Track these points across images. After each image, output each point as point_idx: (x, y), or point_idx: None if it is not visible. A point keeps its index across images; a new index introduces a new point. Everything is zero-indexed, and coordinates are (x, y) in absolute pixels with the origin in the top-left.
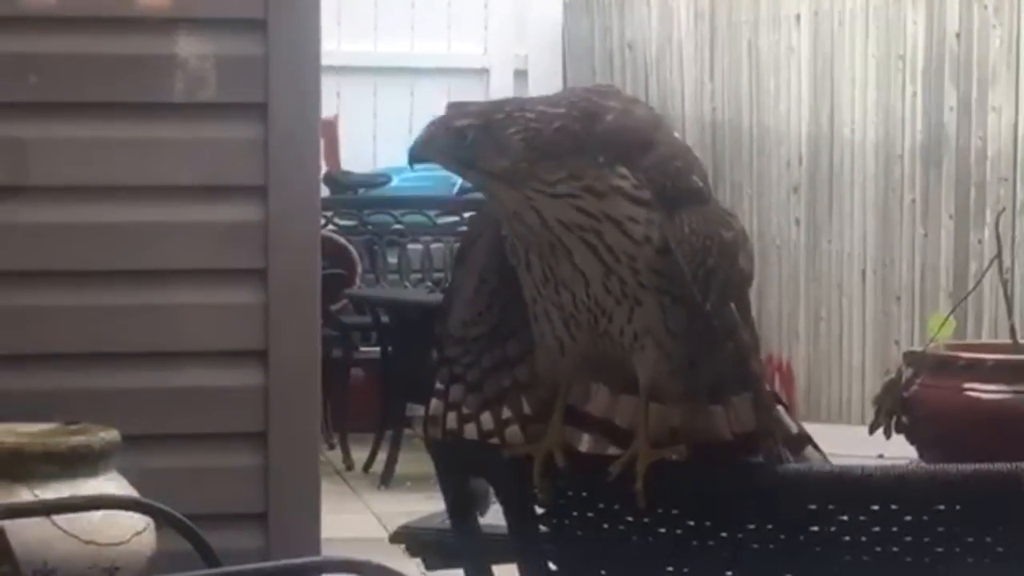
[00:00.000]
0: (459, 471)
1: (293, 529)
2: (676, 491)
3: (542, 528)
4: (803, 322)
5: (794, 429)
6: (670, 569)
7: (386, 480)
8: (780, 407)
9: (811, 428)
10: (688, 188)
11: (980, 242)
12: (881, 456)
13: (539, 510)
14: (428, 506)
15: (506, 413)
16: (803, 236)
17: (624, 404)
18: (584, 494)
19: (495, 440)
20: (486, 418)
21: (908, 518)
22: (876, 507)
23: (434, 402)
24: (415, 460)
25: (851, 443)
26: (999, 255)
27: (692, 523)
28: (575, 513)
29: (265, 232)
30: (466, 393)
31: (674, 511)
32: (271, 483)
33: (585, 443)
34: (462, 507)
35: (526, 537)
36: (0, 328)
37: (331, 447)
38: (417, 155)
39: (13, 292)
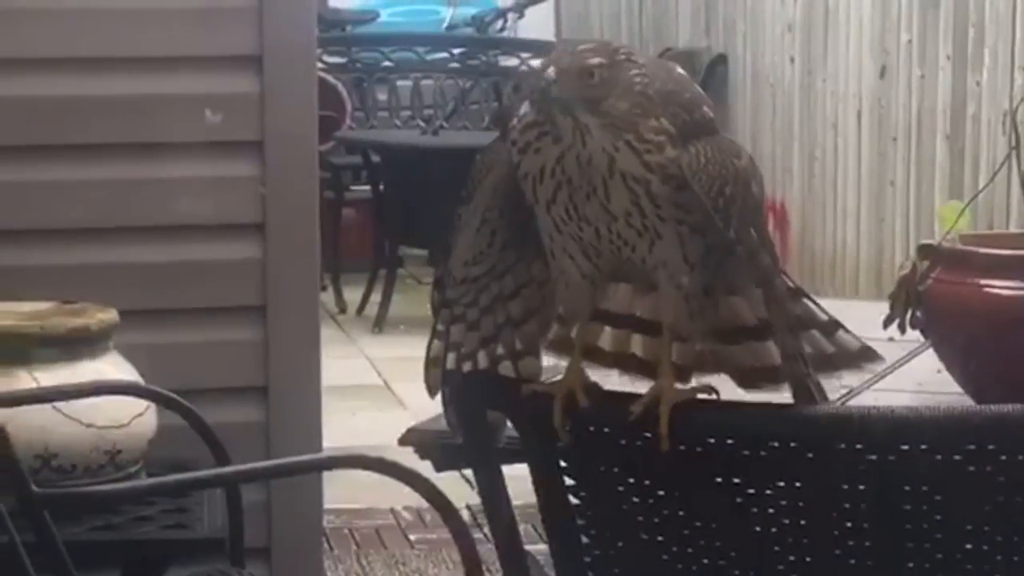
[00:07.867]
0: (477, 405)
1: (293, 403)
2: (702, 432)
3: (562, 464)
4: (797, 162)
5: (824, 316)
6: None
7: (379, 323)
8: (806, 299)
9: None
10: (701, 119)
11: (978, 84)
12: (892, 340)
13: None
14: (421, 351)
15: (499, 350)
16: (798, 75)
17: (646, 300)
18: (606, 430)
19: (516, 376)
20: (481, 356)
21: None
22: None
23: (435, 343)
24: (408, 302)
25: (859, 323)
26: (1016, 146)
27: (720, 467)
28: (595, 451)
29: (261, 103)
30: (466, 332)
31: (697, 449)
32: (271, 357)
33: (608, 336)
34: (478, 437)
35: (547, 473)
36: None
37: (323, 289)
38: (551, 97)
39: (9, 166)
